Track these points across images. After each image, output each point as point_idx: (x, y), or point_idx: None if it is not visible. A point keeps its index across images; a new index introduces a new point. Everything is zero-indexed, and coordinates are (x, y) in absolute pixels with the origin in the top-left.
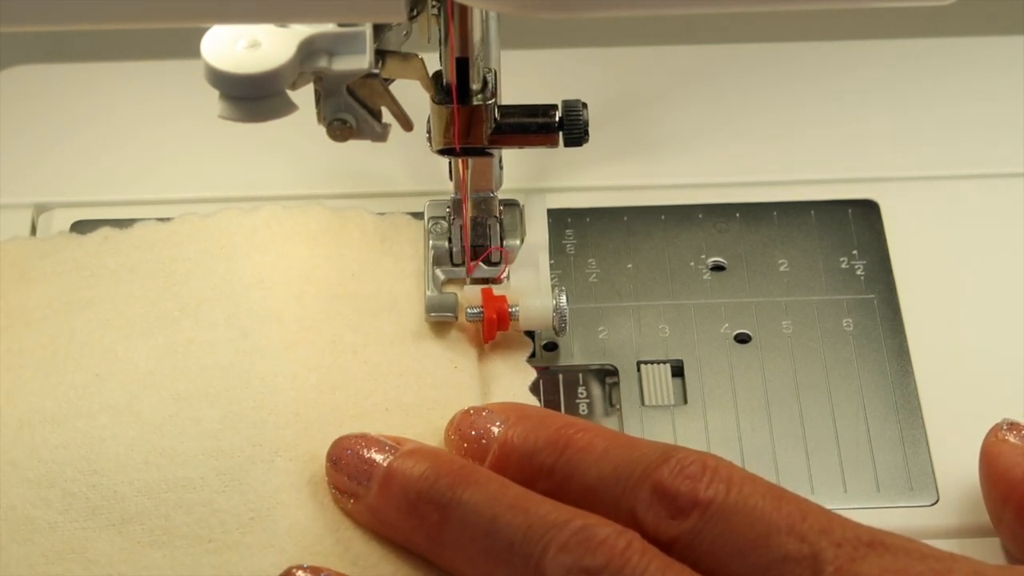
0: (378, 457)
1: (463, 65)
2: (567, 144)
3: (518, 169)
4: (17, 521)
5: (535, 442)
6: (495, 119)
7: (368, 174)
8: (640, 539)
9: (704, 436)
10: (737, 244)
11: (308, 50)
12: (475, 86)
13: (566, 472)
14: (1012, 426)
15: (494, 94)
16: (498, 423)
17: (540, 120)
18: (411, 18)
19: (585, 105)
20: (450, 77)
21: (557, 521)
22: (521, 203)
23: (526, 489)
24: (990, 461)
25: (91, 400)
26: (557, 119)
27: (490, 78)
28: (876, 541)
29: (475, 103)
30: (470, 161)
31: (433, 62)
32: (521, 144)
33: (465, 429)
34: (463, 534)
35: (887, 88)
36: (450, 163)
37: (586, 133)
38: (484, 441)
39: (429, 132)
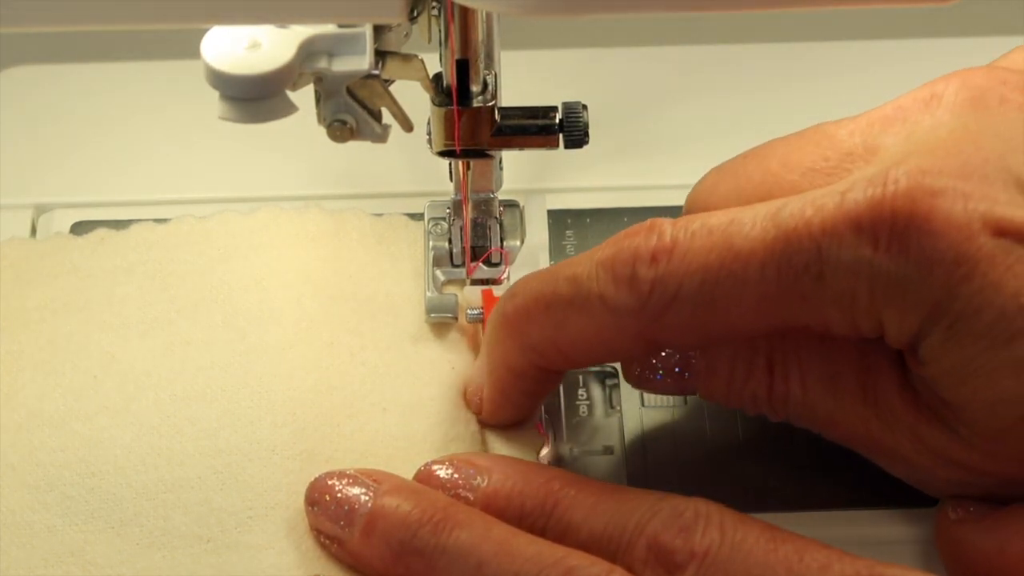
0: (358, 497)
1: (463, 67)
2: (567, 146)
3: (518, 170)
4: (16, 525)
5: (523, 503)
6: (495, 121)
7: (367, 175)
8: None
9: (704, 436)
10: None
11: (308, 51)
12: (475, 88)
13: (558, 532)
14: (961, 503)
15: (494, 96)
16: (478, 478)
17: (540, 122)
18: (411, 19)
19: (585, 107)
20: (450, 79)
21: (544, 564)
22: (521, 204)
23: (512, 528)
24: (955, 542)
25: (89, 402)
26: (557, 121)
27: (490, 80)
28: (876, 575)
29: (475, 105)
30: (470, 162)
31: (433, 63)
32: (521, 146)
33: (435, 487)
34: None
35: (887, 88)
36: (450, 164)
37: (586, 135)
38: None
39: (429, 134)
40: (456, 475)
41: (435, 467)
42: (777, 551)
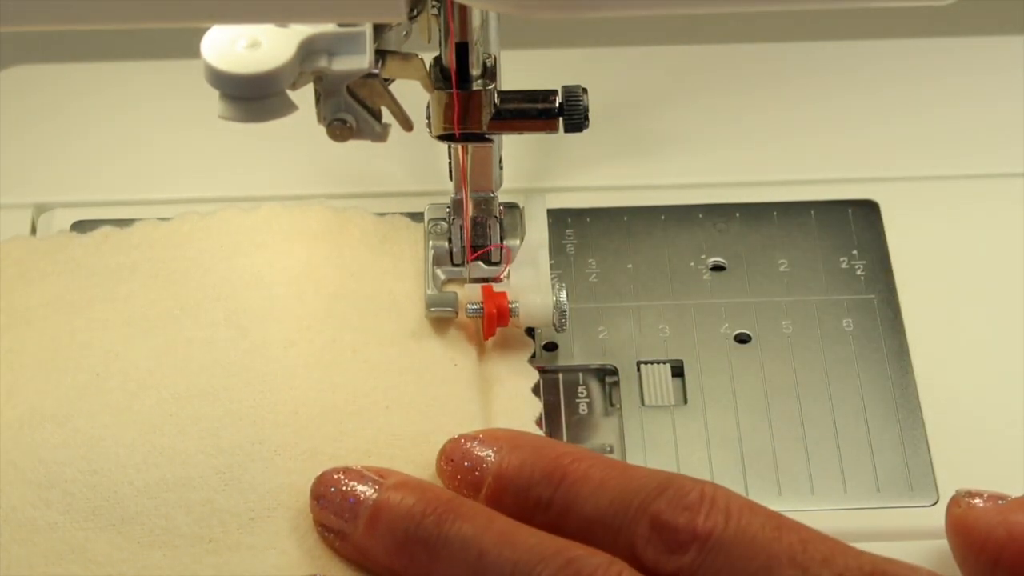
0: (363, 491)
1: (462, 50)
2: (567, 130)
3: (518, 169)
4: (18, 522)
5: (531, 474)
6: (495, 104)
7: (368, 174)
8: (629, 569)
9: (704, 436)
10: (737, 244)
11: (308, 50)
12: (475, 71)
13: (563, 505)
14: (971, 493)
15: (494, 79)
16: (491, 452)
17: (540, 105)
18: (411, 18)
19: (585, 90)
20: (449, 62)
21: (545, 554)
22: (521, 204)
23: (514, 522)
24: (965, 531)
25: (91, 400)
26: (557, 104)
27: (489, 63)
28: (878, 571)
29: (475, 88)
30: (470, 148)
31: None
32: (521, 130)
33: (457, 459)
34: (452, 573)
35: (887, 88)
36: (450, 164)
37: (586, 118)
38: (478, 472)
39: (428, 118)
40: (474, 447)
41: (459, 439)
42: (781, 540)
